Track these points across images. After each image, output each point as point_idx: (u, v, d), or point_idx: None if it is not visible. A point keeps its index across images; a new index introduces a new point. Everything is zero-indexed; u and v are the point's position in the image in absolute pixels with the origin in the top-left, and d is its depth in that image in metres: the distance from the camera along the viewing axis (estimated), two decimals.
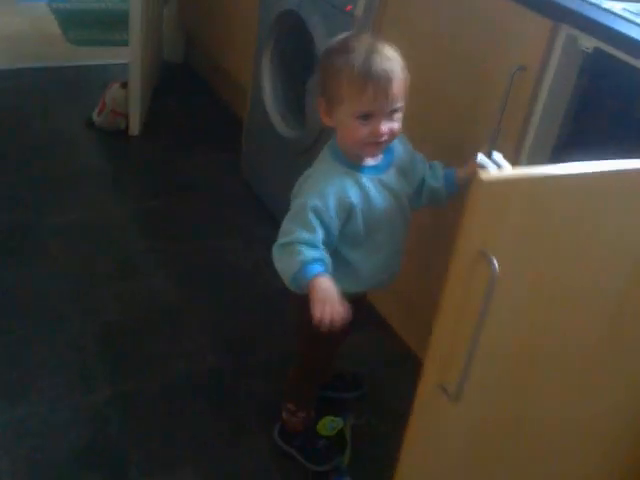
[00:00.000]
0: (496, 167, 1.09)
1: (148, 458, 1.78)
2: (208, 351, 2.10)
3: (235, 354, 2.11)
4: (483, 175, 1.01)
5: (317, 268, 1.41)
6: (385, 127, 1.44)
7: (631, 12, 1.54)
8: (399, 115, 1.47)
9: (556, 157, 1.71)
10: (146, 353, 2.06)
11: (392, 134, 1.47)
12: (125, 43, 3.05)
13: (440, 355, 1.17)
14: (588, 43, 1.51)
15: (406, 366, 2.13)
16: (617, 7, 1.56)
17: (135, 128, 3.08)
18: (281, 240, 1.47)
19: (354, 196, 1.49)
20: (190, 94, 3.49)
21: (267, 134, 2.60)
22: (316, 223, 1.44)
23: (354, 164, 1.51)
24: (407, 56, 1.47)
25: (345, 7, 2.09)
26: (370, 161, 1.53)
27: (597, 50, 1.50)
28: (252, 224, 2.66)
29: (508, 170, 1.06)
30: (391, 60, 1.43)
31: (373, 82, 1.40)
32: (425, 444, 1.30)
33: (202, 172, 2.93)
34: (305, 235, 1.44)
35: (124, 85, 3.06)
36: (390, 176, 1.55)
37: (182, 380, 2.00)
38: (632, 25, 1.47)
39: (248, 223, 2.67)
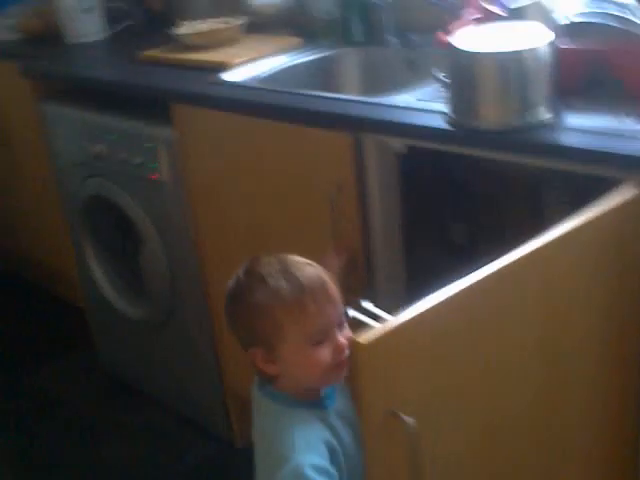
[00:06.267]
0: (372, 320, 0.98)
1: None
2: None
3: None
4: (363, 338, 0.91)
5: None
6: (343, 338, 1.23)
7: (424, 101, 1.56)
8: (345, 322, 1.27)
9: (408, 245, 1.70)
10: None
11: (350, 343, 1.20)
12: None
13: None
14: (398, 143, 1.51)
15: None
16: (410, 100, 1.58)
17: None
18: None
19: (331, 438, 1.25)
20: (24, 303, 3.25)
21: (114, 320, 2.46)
22: None
23: (311, 402, 1.27)
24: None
25: (151, 175, 2.03)
26: (321, 392, 1.29)
27: (411, 147, 1.51)
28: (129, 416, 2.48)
29: (387, 320, 0.95)
30: (309, 265, 1.26)
31: (310, 295, 1.21)
32: None
33: (59, 380, 2.73)
34: None
35: None
36: (340, 399, 1.32)
37: None
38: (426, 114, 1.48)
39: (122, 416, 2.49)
